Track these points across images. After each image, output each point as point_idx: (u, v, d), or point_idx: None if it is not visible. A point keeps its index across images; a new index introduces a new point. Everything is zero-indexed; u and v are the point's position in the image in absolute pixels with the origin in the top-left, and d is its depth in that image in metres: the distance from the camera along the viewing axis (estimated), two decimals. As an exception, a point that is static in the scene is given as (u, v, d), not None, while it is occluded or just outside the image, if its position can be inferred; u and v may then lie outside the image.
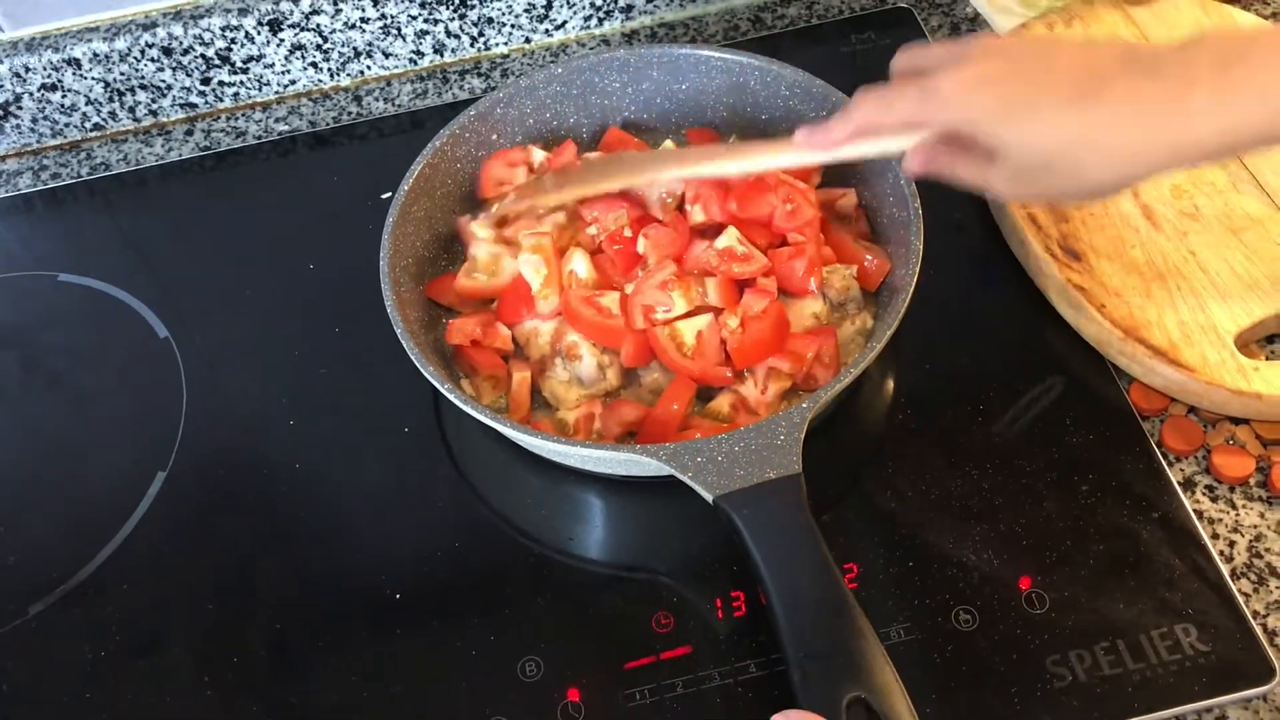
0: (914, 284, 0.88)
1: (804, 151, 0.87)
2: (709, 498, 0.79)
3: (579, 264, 0.96)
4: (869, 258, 0.97)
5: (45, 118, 1.21)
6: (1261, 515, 0.87)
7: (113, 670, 0.86)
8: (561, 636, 0.85)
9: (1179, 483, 0.88)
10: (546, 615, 0.86)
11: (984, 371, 0.96)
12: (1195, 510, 0.87)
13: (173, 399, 1.01)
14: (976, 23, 1.23)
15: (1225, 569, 0.83)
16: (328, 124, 1.23)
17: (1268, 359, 0.92)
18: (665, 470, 0.81)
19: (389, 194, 0.98)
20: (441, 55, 1.25)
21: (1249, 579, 0.84)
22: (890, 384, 0.97)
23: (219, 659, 0.86)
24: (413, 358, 0.88)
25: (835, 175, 1.03)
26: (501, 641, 0.85)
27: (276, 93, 1.25)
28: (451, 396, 0.86)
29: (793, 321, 0.93)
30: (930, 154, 0.81)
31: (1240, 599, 0.81)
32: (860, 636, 0.74)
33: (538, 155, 1.06)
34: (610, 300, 0.93)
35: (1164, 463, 0.89)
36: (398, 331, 0.90)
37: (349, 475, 0.95)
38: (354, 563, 0.91)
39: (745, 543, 0.78)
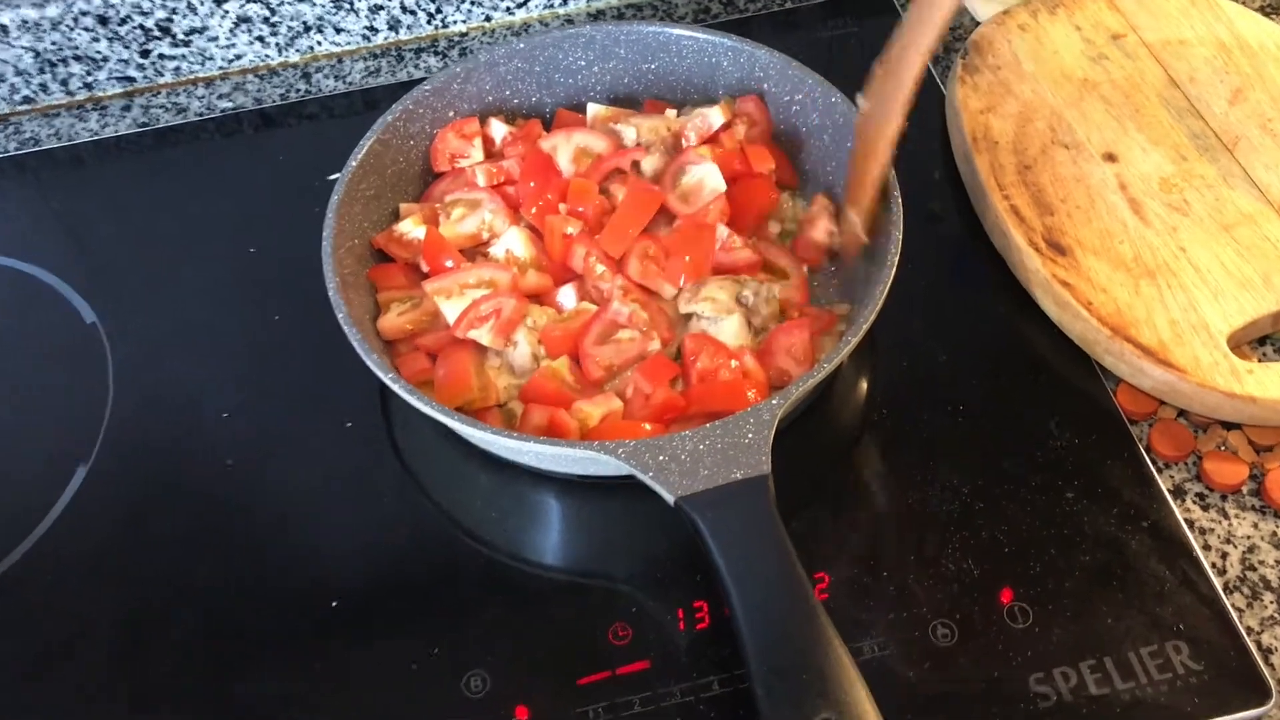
0: (891, 277, 0.82)
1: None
2: (670, 499, 0.74)
3: (516, 243, 0.91)
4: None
5: (-30, 89, 1.15)
6: (1255, 525, 0.82)
7: (19, 680, 0.80)
8: (510, 649, 0.79)
9: (1168, 490, 0.83)
10: (495, 625, 0.80)
11: (963, 370, 0.91)
12: (1186, 519, 0.82)
13: (98, 388, 0.94)
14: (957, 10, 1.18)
15: (1218, 582, 0.78)
16: (274, 102, 1.17)
17: (1261, 361, 0.88)
18: (624, 469, 0.75)
19: (336, 175, 0.92)
20: (396, 32, 1.19)
21: (1242, 593, 0.79)
22: (864, 382, 0.91)
23: (136, 670, 0.80)
24: (355, 345, 0.82)
25: (811, 179, 0.99)
26: (445, 653, 0.79)
27: (221, 68, 1.19)
28: (396, 388, 0.80)
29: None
30: None
31: (1234, 614, 0.77)
32: (830, 651, 0.69)
33: (498, 129, 1.00)
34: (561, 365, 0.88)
35: (1153, 469, 0.84)
36: (339, 317, 0.84)
37: (286, 472, 0.89)
38: (289, 567, 0.84)
39: (708, 548, 0.72)
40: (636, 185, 0.93)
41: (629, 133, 0.97)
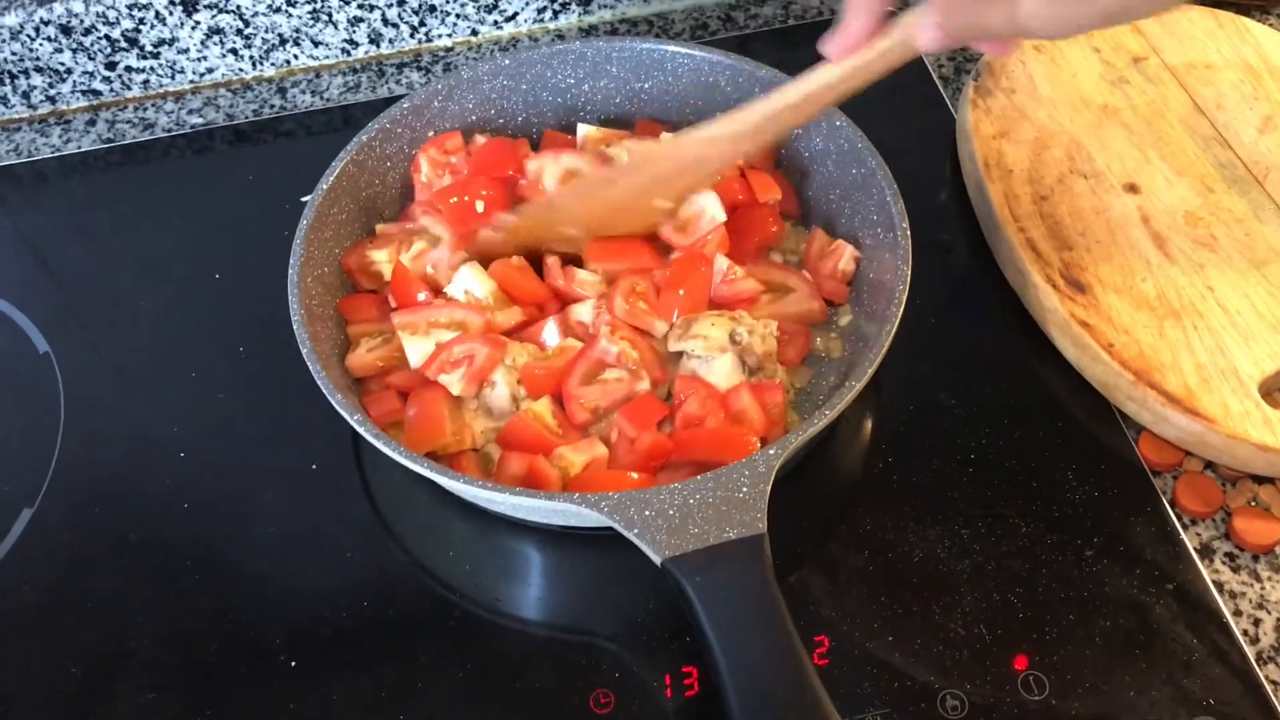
0: (899, 317, 0.77)
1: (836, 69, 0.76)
2: (657, 559, 0.68)
3: (471, 281, 0.85)
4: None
5: (-74, 101, 1.09)
6: (1290, 590, 0.76)
7: (-52, 747, 0.74)
8: (482, 716, 0.73)
9: (1195, 549, 0.78)
10: (467, 690, 0.74)
11: (973, 415, 0.85)
12: (1214, 582, 0.76)
13: (48, 424, 0.88)
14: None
15: (1250, 651, 0.73)
16: (247, 117, 1.11)
17: (1295, 410, 0.82)
18: (607, 523, 0.69)
19: (310, 196, 0.86)
20: (378, 46, 1.13)
21: (1277, 664, 0.73)
22: (868, 425, 0.86)
23: (78, 733, 0.74)
24: (320, 383, 0.76)
25: (814, 207, 0.93)
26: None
27: (191, 81, 1.13)
28: (363, 431, 0.74)
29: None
30: (948, 9, 0.66)
31: (1268, 687, 0.72)
32: (826, 724, 0.63)
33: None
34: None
35: (1178, 525, 0.79)
36: (304, 352, 0.78)
37: (246, 517, 0.83)
38: (245, 622, 0.78)
39: (696, 615, 0.67)
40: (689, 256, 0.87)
41: (621, 156, 0.91)
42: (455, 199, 0.89)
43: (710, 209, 0.87)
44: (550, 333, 0.84)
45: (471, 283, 0.84)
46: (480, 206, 0.89)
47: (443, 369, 0.80)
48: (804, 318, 0.87)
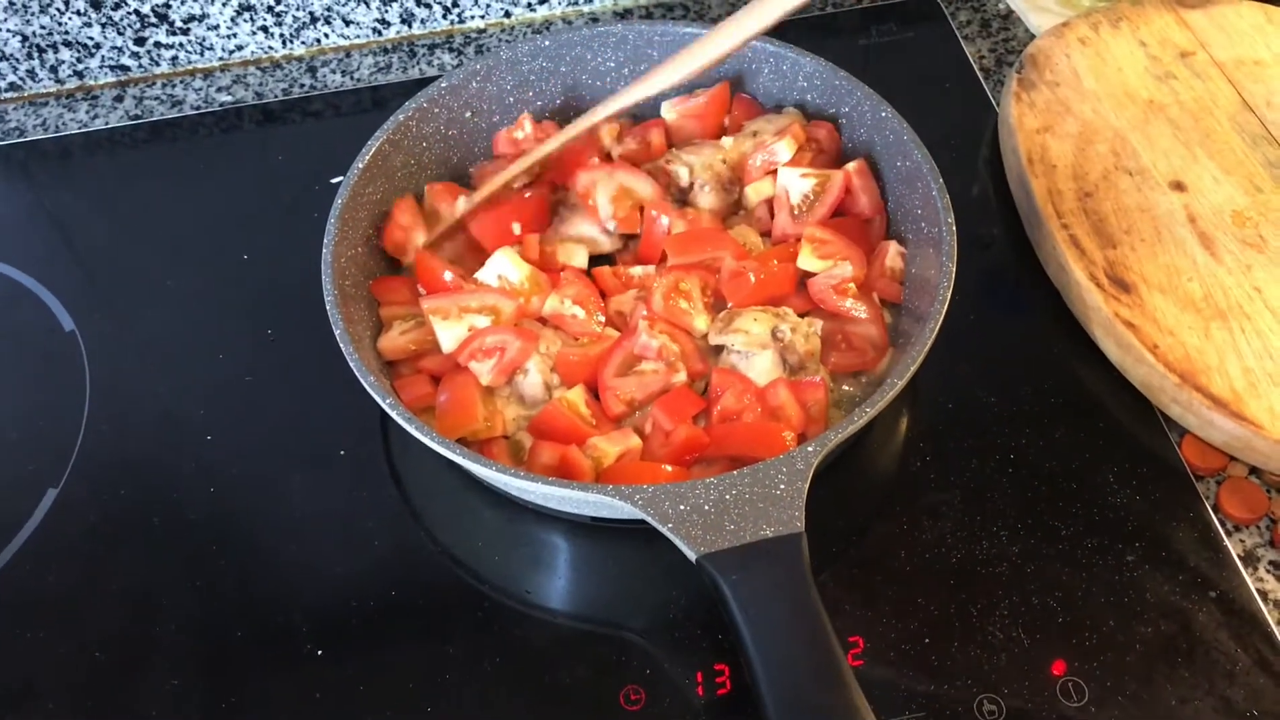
0: (942, 315, 0.75)
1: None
2: (692, 556, 0.67)
3: (506, 266, 0.84)
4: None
5: (-47, 74, 1.08)
6: (1336, 600, 0.74)
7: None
8: (511, 710, 0.72)
9: (1239, 556, 0.76)
10: (495, 683, 0.73)
11: (1013, 414, 0.84)
12: (1259, 590, 0.75)
13: (73, 404, 0.87)
14: (1009, 20, 1.11)
15: (1295, 663, 0.71)
16: (277, 96, 1.09)
17: (1344, 416, 0.80)
18: (640, 517, 0.68)
19: (340, 178, 0.86)
20: (409, 26, 1.12)
21: (1323, 676, 0.71)
22: (904, 423, 0.84)
23: (102, 717, 0.73)
24: (352, 365, 0.75)
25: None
26: (439, 714, 0.72)
27: (220, 59, 1.11)
28: (395, 415, 0.73)
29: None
30: None
31: (1314, 700, 0.69)
32: (862, 727, 0.62)
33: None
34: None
35: (1222, 532, 0.77)
36: (336, 333, 0.77)
37: (272, 503, 0.82)
38: (271, 609, 0.77)
39: (731, 613, 0.65)
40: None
41: (681, 172, 0.89)
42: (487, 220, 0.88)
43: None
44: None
45: (506, 267, 0.83)
46: (517, 229, 0.88)
47: (474, 357, 0.79)
48: (861, 365, 0.83)
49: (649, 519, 0.68)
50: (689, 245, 0.85)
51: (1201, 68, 0.98)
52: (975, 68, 1.06)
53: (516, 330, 0.80)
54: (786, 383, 0.78)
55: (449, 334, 0.81)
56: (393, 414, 0.73)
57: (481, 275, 0.84)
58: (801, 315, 0.82)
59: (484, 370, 0.79)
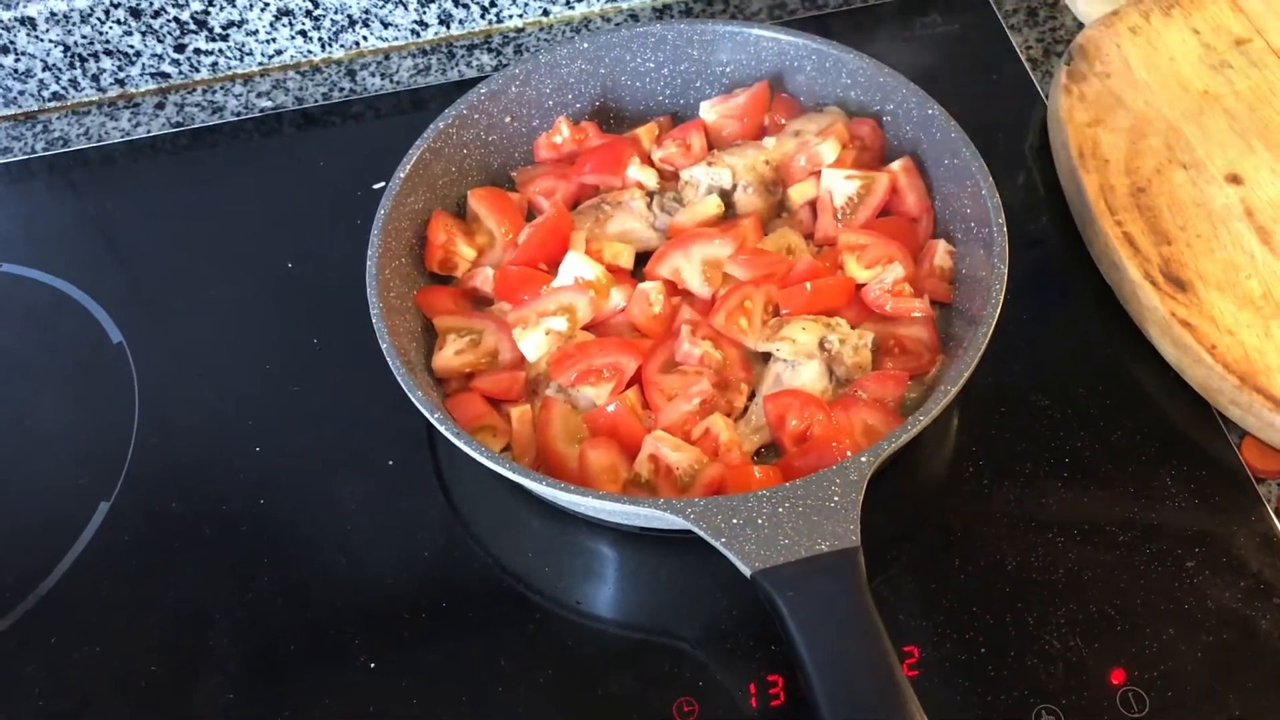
0: (995, 318, 0.74)
1: None
2: (747, 571, 0.66)
3: (580, 267, 0.83)
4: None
5: (-3, 84, 1.08)
6: (1404, 607, 0.73)
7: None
8: (565, 723, 0.71)
9: (1303, 561, 0.74)
10: (548, 695, 0.73)
11: (1067, 417, 0.82)
12: (1324, 596, 0.73)
13: (123, 417, 0.87)
14: (1057, 8, 1.09)
15: (1362, 671, 0.69)
16: (316, 101, 1.09)
17: None
18: (693, 530, 0.67)
19: (382, 184, 0.85)
20: (448, 27, 1.11)
21: (1390, 684, 0.70)
22: (955, 426, 0.83)
23: (158, 729, 0.73)
24: (399, 379, 0.75)
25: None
26: (493, 727, 0.71)
27: (260, 64, 1.11)
28: (444, 429, 0.73)
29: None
30: None
31: (1382, 710, 0.68)
32: (922, 744, 0.61)
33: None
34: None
35: (1285, 537, 0.75)
36: (383, 346, 0.77)
37: (322, 514, 0.82)
38: (323, 620, 0.78)
39: (788, 629, 0.65)
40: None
41: (723, 174, 0.88)
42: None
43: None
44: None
45: (581, 267, 0.83)
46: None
47: (584, 379, 0.79)
48: (917, 369, 0.82)
49: (701, 533, 0.67)
50: (758, 264, 0.84)
51: (1258, 55, 0.95)
52: (1022, 59, 1.04)
53: (624, 345, 0.80)
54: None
55: (529, 342, 0.81)
56: (442, 429, 0.73)
57: (558, 281, 0.84)
58: (855, 327, 0.81)
59: (600, 394, 0.79)
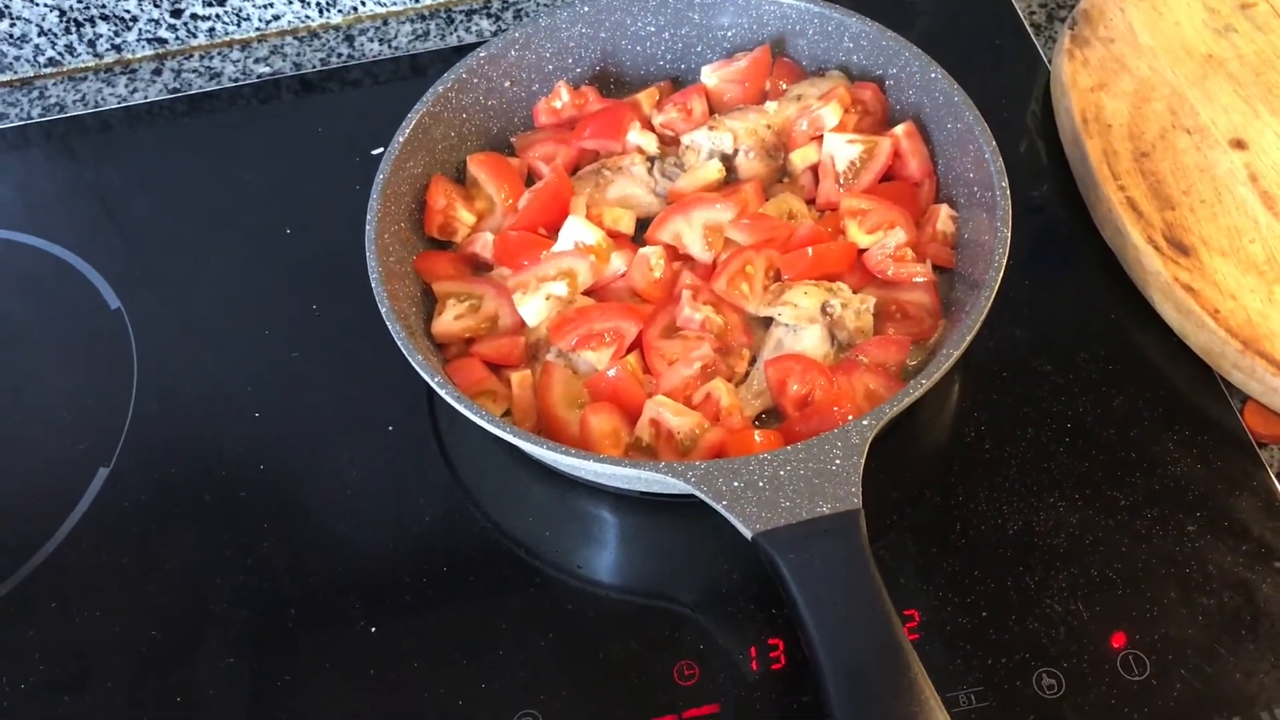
0: (998, 283, 0.74)
1: None
2: (748, 534, 0.66)
3: (581, 231, 0.83)
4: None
5: (-8, 50, 1.07)
6: (1405, 570, 0.73)
7: (30, 707, 0.74)
8: (565, 686, 0.72)
9: (1304, 526, 0.74)
10: (548, 658, 0.73)
11: (1070, 383, 0.82)
12: (1325, 561, 0.73)
13: (121, 382, 0.87)
14: (1061, -26, 1.08)
15: (1363, 634, 0.70)
16: (315, 67, 1.08)
17: None
18: (694, 493, 0.67)
19: (381, 149, 0.85)
20: (447, -9, 1.10)
21: (1391, 647, 0.70)
22: (956, 392, 0.83)
23: (158, 696, 0.74)
24: (399, 344, 0.75)
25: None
26: (493, 690, 0.72)
27: (257, 29, 1.11)
28: (444, 394, 0.73)
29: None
30: None
31: (1382, 673, 0.68)
32: (923, 706, 0.61)
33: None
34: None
35: (1286, 501, 0.75)
36: (383, 311, 0.77)
37: (322, 480, 0.82)
38: (323, 585, 0.78)
39: (790, 591, 0.65)
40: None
41: (725, 139, 0.88)
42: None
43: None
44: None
45: (582, 232, 0.83)
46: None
47: (585, 344, 0.79)
48: (919, 334, 0.81)
49: (703, 496, 0.67)
50: (760, 228, 0.84)
51: (1263, 19, 0.95)
52: (1025, 24, 1.04)
53: (625, 310, 0.80)
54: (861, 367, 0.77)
55: (529, 307, 0.81)
56: (442, 393, 0.73)
57: (558, 246, 0.84)
58: (856, 292, 0.81)
59: (601, 359, 0.79)
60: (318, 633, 0.75)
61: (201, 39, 1.10)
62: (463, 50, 1.05)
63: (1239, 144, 0.88)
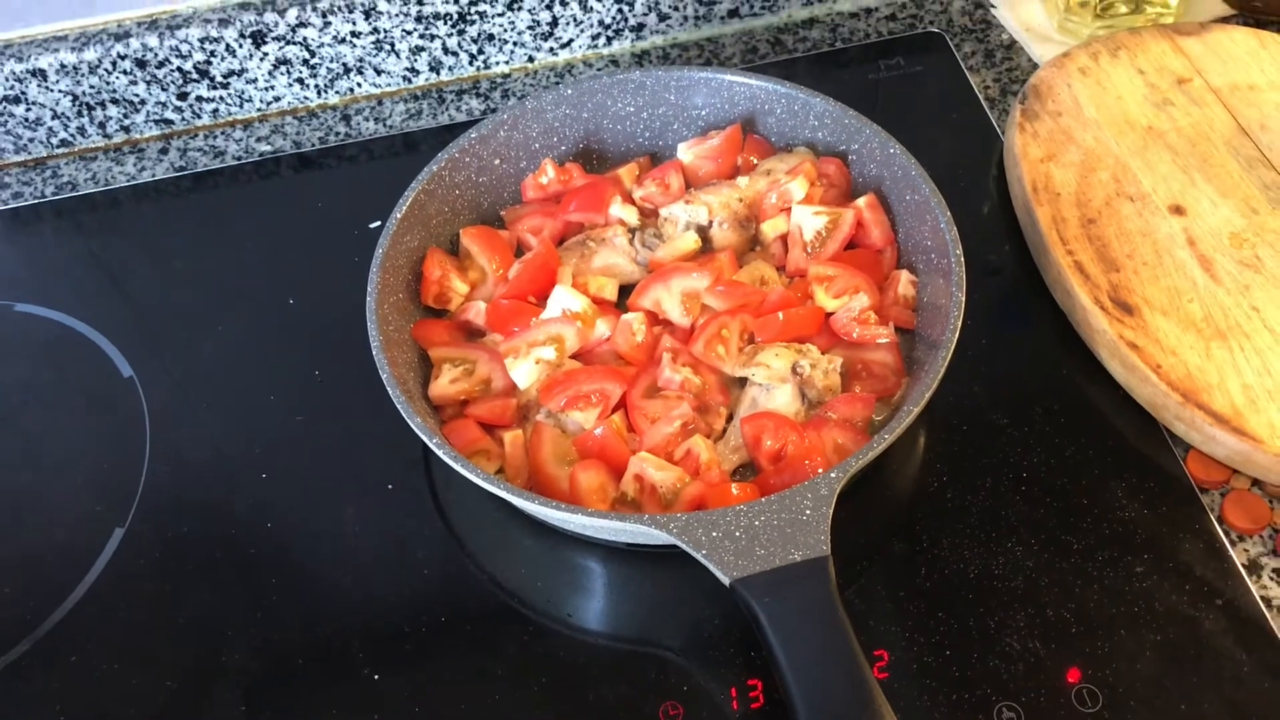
0: (954, 343, 0.79)
1: None
2: (726, 580, 0.71)
3: (567, 299, 0.89)
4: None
5: (8, 132, 1.13)
6: (1337, 605, 0.78)
7: (54, 757, 0.78)
8: (558, 728, 0.76)
9: (1243, 565, 0.80)
10: (542, 702, 0.77)
11: (1025, 435, 0.87)
12: (1263, 597, 0.78)
13: (135, 447, 0.92)
14: (1012, 50, 1.15)
15: (1298, 666, 0.75)
16: (313, 145, 1.14)
17: (1340, 429, 0.84)
18: (676, 543, 0.72)
19: (378, 223, 0.91)
20: (438, 73, 1.17)
21: (1325, 678, 0.75)
22: (921, 445, 0.88)
23: (175, 746, 0.78)
24: (399, 407, 0.80)
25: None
26: (491, 733, 0.76)
27: (259, 110, 1.17)
28: (441, 453, 0.78)
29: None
30: None
31: (1317, 702, 0.73)
32: (893, 744, 0.66)
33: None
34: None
35: (1226, 542, 0.81)
36: (383, 377, 0.82)
37: (326, 536, 0.87)
38: (329, 636, 0.82)
39: (765, 634, 0.70)
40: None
41: (700, 212, 0.94)
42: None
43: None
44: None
45: (568, 300, 0.88)
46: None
47: (574, 405, 0.84)
48: (884, 391, 0.87)
49: (683, 545, 0.72)
50: (734, 294, 0.89)
51: (1198, 94, 1.02)
52: (981, 98, 1.10)
53: (610, 373, 0.86)
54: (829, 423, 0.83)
55: (521, 371, 0.86)
56: (440, 452, 0.78)
57: (547, 313, 0.89)
58: (825, 352, 0.87)
59: (588, 419, 0.84)
60: (324, 681, 0.79)
61: (206, 119, 1.16)
62: (454, 128, 1.12)
63: (1178, 210, 0.94)
